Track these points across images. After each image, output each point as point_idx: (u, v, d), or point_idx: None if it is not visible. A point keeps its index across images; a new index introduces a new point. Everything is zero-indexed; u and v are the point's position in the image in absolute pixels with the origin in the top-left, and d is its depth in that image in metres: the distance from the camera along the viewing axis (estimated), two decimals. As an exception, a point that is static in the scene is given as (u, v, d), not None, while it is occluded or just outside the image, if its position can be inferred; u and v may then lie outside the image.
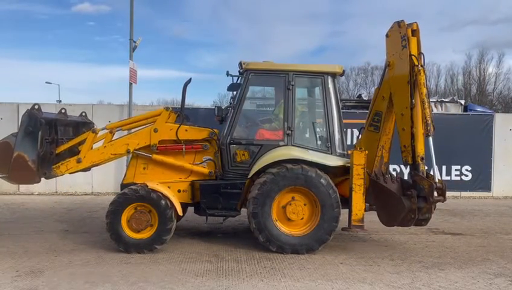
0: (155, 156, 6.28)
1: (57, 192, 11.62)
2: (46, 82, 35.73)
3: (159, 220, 5.84)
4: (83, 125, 7.22)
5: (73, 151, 6.56)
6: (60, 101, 23.39)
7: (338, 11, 71.54)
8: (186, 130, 6.31)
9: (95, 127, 6.77)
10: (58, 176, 6.41)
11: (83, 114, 7.40)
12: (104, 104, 18.36)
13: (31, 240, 6.59)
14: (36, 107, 6.00)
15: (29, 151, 5.85)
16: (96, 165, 6.52)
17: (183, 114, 6.50)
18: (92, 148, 6.39)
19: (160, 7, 71.76)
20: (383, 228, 6.43)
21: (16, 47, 67.91)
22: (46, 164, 6.17)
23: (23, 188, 11.55)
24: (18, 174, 5.96)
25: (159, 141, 6.27)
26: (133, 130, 6.60)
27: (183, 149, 6.26)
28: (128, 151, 6.35)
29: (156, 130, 6.27)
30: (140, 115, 6.92)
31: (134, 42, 12.16)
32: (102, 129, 6.51)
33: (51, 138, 6.28)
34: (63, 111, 6.79)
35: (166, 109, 6.42)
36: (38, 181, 6.18)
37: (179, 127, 6.26)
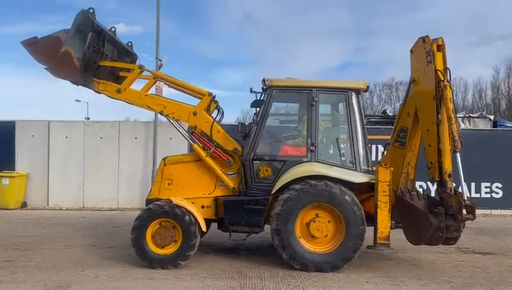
0: (195, 146, 6.37)
1: (84, 207, 11.88)
2: (76, 100, 36.81)
3: (183, 235, 5.88)
4: (126, 53, 7.23)
5: (113, 73, 6.66)
6: (88, 118, 23.98)
7: (363, 27, 71.52)
8: (218, 132, 6.38)
9: (140, 62, 6.87)
10: (94, 89, 6.46)
11: (129, 44, 7.31)
12: (131, 121, 18.75)
13: (59, 255, 6.74)
14: (91, 11, 6.04)
15: (76, 49, 5.94)
16: (129, 103, 6.56)
17: (220, 108, 6.64)
18: (132, 83, 6.50)
19: (187, 26, 73.44)
20: (409, 246, 6.27)
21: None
22: (88, 71, 6.22)
23: (52, 203, 11.88)
24: (61, 69, 6.13)
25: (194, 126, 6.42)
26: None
27: (212, 149, 6.32)
28: (161, 113, 6.51)
29: (195, 114, 6.39)
30: (187, 83, 6.85)
31: (160, 60, 12.44)
32: (148, 71, 6.65)
33: (98, 48, 6.32)
34: (113, 30, 6.74)
35: (210, 94, 6.49)
36: (78, 80, 6.27)
37: (213, 122, 6.36)
